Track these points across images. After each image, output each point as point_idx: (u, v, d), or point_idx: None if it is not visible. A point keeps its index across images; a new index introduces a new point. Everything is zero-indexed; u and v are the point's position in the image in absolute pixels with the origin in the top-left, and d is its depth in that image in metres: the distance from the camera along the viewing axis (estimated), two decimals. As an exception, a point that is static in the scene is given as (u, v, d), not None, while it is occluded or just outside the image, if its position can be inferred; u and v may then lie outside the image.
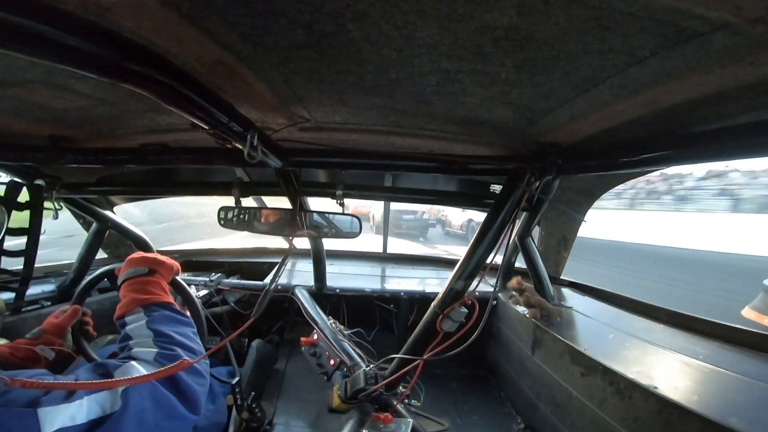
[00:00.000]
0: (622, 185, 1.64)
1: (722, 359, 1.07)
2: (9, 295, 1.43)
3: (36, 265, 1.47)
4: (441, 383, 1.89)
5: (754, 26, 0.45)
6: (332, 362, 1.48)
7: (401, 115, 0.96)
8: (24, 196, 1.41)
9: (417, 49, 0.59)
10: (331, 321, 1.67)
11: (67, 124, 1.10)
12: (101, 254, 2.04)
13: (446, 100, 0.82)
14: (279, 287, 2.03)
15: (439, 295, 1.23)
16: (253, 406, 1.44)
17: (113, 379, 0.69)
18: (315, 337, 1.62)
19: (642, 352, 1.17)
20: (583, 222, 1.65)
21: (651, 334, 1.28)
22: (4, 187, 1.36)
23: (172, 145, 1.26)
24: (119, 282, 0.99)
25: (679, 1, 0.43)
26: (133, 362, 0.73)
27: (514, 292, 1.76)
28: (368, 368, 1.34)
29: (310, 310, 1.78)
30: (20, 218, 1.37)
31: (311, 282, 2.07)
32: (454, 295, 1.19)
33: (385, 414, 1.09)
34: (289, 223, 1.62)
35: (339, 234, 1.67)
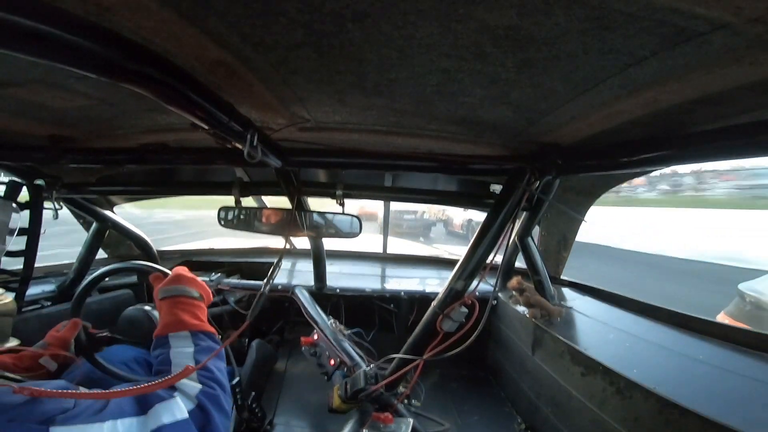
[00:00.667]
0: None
1: (722, 359, 1.07)
2: (8, 296, 1.43)
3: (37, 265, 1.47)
4: (441, 383, 1.89)
5: (754, 26, 0.45)
6: (332, 362, 1.48)
7: (401, 115, 0.96)
8: (24, 196, 1.41)
9: (417, 49, 0.59)
10: (332, 321, 1.67)
11: (67, 124, 1.10)
12: (101, 254, 2.04)
13: (446, 100, 0.82)
14: (279, 287, 2.04)
15: (440, 295, 1.23)
16: (254, 406, 1.44)
17: (119, 390, 0.66)
18: (315, 337, 1.62)
19: (642, 352, 1.17)
20: (583, 222, 1.65)
21: (651, 334, 1.28)
22: (4, 187, 1.36)
23: (172, 145, 1.26)
24: (164, 294, 0.93)
25: (679, 1, 0.43)
26: (178, 399, 0.70)
27: (514, 292, 1.76)
28: (368, 368, 1.34)
29: (310, 310, 1.78)
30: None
31: (311, 282, 2.07)
32: (454, 295, 1.19)
33: (386, 414, 1.09)
34: (289, 223, 1.62)
35: (339, 234, 1.67)
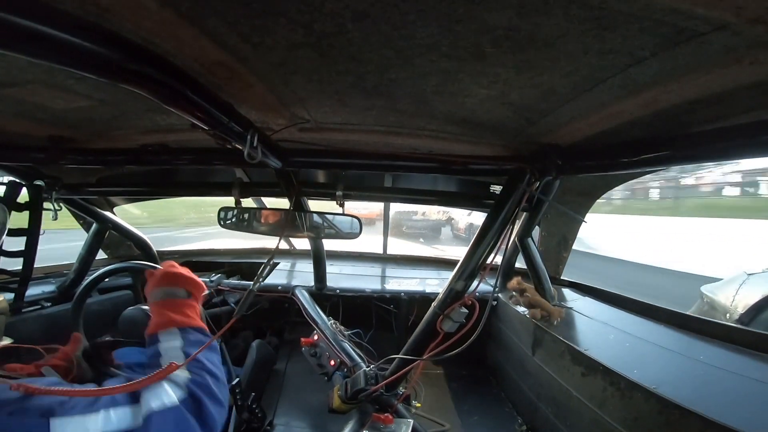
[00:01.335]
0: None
1: (723, 359, 1.06)
2: (8, 296, 1.43)
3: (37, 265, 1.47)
4: (441, 383, 1.89)
5: (754, 26, 0.45)
6: (332, 363, 1.47)
7: (401, 116, 0.96)
8: (24, 196, 1.41)
9: (417, 50, 0.59)
10: (332, 321, 1.67)
11: (66, 125, 1.10)
12: (101, 255, 2.04)
13: (446, 100, 0.82)
14: (279, 288, 2.04)
15: (440, 296, 1.23)
16: (254, 406, 1.44)
17: (110, 387, 0.68)
18: (315, 337, 1.62)
19: (643, 352, 1.17)
20: (583, 222, 1.65)
21: (651, 335, 1.28)
22: (4, 187, 1.36)
23: (172, 146, 1.26)
24: (154, 298, 0.95)
25: (679, 1, 0.43)
26: (164, 383, 0.72)
27: (514, 293, 1.76)
28: (368, 368, 1.34)
29: (310, 310, 1.78)
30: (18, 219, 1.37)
31: (311, 282, 2.07)
32: (454, 295, 1.19)
33: (386, 414, 1.09)
34: (289, 223, 1.62)
35: (339, 235, 1.67)
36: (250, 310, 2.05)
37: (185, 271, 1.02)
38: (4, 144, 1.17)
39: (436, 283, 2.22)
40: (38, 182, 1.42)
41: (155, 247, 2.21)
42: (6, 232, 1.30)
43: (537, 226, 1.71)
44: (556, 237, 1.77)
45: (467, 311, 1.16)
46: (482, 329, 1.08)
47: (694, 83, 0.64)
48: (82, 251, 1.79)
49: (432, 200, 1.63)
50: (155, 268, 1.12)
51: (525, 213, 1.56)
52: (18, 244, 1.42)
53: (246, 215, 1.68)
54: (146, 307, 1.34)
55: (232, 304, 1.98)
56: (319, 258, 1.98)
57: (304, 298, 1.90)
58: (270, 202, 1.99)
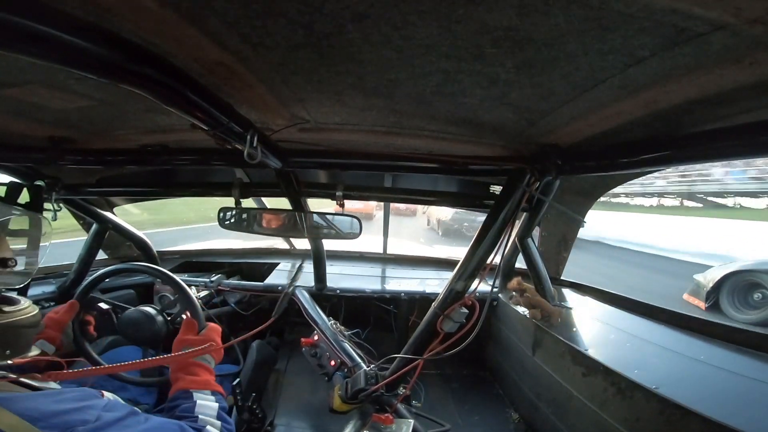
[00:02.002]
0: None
1: (723, 359, 1.06)
2: (34, 307, 1.42)
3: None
4: (442, 384, 1.89)
5: (754, 27, 0.45)
6: (333, 363, 1.47)
7: (401, 116, 0.96)
8: (24, 196, 1.41)
9: (417, 50, 0.59)
10: (332, 322, 1.67)
11: (66, 125, 1.10)
12: (101, 255, 2.03)
13: (446, 100, 0.82)
14: (279, 288, 2.04)
15: (440, 296, 1.23)
16: (254, 406, 1.44)
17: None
18: (315, 337, 1.62)
19: (643, 352, 1.17)
20: (583, 222, 1.65)
21: (652, 335, 1.28)
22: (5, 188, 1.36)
23: (172, 146, 1.26)
24: (190, 349, 1.01)
25: (679, 1, 0.43)
26: None
27: (514, 293, 1.75)
28: (369, 369, 1.34)
29: (310, 310, 1.78)
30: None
31: (311, 283, 2.07)
32: (454, 295, 1.19)
33: (386, 415, 1.09)
34: (289, 224, 1.61)
35: (339, 235, 1.67)
36: (250, 310, 2.05)
37: (219, 338, 1.11)
38: (4, 144, 1.17)
39: (436, 283, 2.22)
40: (38, 183, 1.43)
41: (155, 248, 2.21)
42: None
43: (537, 226, 1.71)
44: (556, 237, 1.77)
45: (467, 311, 1.16)
46: (482, 329, 1.08)
47: (693, 83, 0.64)
48: (82, 251, 1.79)
49: (432, 200, 1.63)
50: (200, 321, 1.14)
51: (525, 213, 1.56)
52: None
53: (246, 215, 1.68)
54: (149, 309, 1.34)
55: (232, 304, 1.98)
56: (319, 258, 1.98)
57: (304, 298, 1.90)
58: (270, 202, 1.99)
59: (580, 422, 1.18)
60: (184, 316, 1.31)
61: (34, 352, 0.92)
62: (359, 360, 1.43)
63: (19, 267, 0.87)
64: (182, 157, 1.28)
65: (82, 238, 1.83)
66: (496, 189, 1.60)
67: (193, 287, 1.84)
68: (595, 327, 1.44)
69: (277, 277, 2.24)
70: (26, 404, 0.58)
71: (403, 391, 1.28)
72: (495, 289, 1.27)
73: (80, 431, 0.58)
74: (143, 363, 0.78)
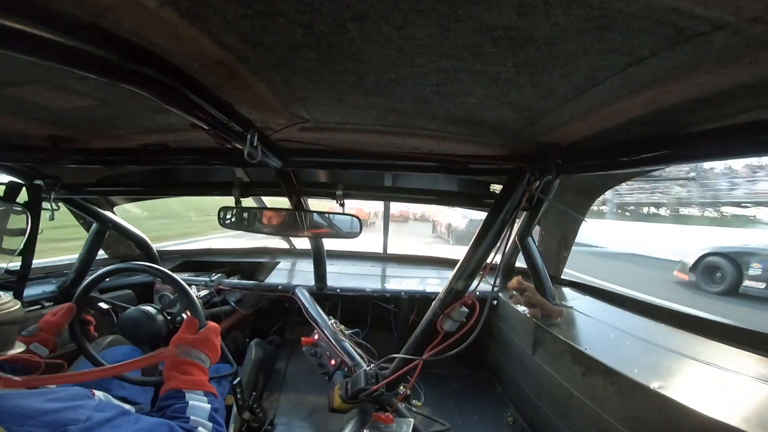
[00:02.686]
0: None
1: (723, 359, 1.07)
2: (16, 302, 1.42)
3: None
4: (442, 383, 1.89)
5: (754, 26, 0.45)
6: (333, 362, 1.48)
7: (401, 115, 0.96)
8: (23, 196, 1.41)
9: (417, 49, 0.59)
10: (332, 321, 1.67)
11: (66, 125, 1.10)
12: (101, 254, 2.04)
13: (446, 100, 0.82)
14: (279, 287, 2.04)
15: (440, 295, 1.23)
16: (254, 406, 1.44)
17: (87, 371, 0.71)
18: (316, 337, 1.62)
19: (643, 351, 1.17)
20: (583, 221, 1.65)
21: (652, 334, 1.28)
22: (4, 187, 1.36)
23: (172, 146, 1.26)
24: (185, 354, 1.00)
25: (679, 1, 0.43)
26: None
27: (514, 292, 1.75)
28: (369, 368, 1.34)
29: (310, 310, 1.78)
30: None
31: (312, 282, 2.07)
32: (454, 294, 1.19)
33: (386, 414, 1.09)
34: (289, 223, 1.62)
35: (339, 234, 1.67)
36: (251, 310, 2.05)
37: (219, 343, 1.10)
38: (4, 144, 1.17)
39: (437, 282, 2.22)
40: (38, 182, 1.43)
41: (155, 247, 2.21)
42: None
43: (537, 226, 1.71)
44: (557, 236, 1.77)
45: (467, 311, 1.16)
46: (483, 329, 1.08)
47: (693, 83, 0.64)
48: (82, 251, 1.79)
49: (432, 200, 1.63)
50: (201, 319, 1.13)
51: (525, 212, 1.56)
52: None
53: (246, 215, 1.69)
54: (149, 309, 1.34)
55: (232, 304, 1.99)
56: (319, 257, 1.99)
57: (304, 297, 1.90)
58: (270, 201, 1.99)
59: (580, 421, 1.18)
60: (184, 315, 1.31)
61: (18, 349, 0.93)
62: (359, 359, 1.43)
63: None
64: (182, 156, 1.28)
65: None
66: (497, 188, 1.60)
67: (193, 286, 1.84)
68: (595, 326, 1.44)
69: (278, 277, 2.24)
70: (17, 402, 0.58)
71: (403, 390, 1.28)
72: (495, 289, 1.27)
73: (72, 430, 0.58)
74: (115, 368, 0.78)
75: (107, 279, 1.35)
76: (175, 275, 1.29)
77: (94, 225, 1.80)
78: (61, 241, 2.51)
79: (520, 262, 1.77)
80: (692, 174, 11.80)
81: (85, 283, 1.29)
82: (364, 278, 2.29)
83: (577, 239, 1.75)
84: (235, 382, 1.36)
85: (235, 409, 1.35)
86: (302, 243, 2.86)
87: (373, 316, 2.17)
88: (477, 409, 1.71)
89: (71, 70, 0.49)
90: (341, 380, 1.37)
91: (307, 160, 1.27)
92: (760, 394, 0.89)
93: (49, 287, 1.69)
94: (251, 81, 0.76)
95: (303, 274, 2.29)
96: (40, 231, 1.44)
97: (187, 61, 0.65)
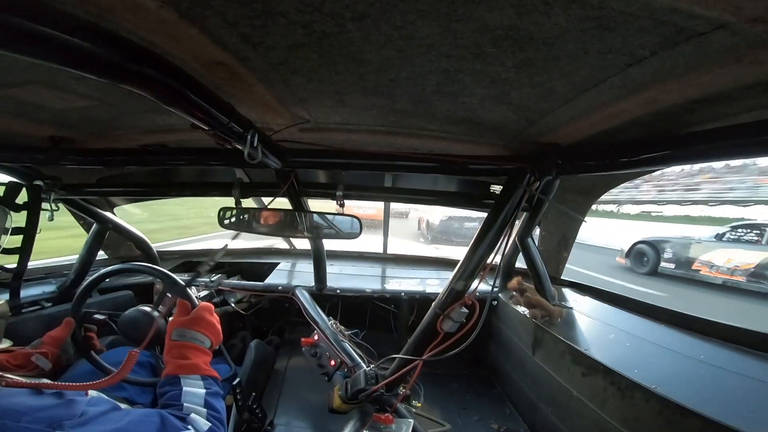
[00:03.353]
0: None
1: (723, 359, 1.06)
2: (4, 295, 1.42)
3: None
4: (442, 384, 1.89)
5: (754, 26, 0.45)
6: (333, 363, 1.47)
7: (401, 116, 0.96)
8: (23, 196, 1.41)
9: (417, 49, 0.59)
10: (332, 321, 1.66)
11: (66, 125, 1.10)
12: (101, 255, 2.03)
13: (446, 100, 0.82)
14: (279, 288, 2.04)
15: (440, 296, 1.23)
16: (254, 406, 1.43)
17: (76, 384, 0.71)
18: (315, 337, 1.62)
19: (643, 352, 1.17)
20: (583, 222, 1.65)
21: (652, 334, 1.28)
22: (4, 187, 1.36)
23: (172, 146, 1.26)
24: (181, 336, 0.98)
25: (679, 0, 0.43)
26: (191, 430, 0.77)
27: (514, 293, 1.75)
28: (369, 368, 1.34)
29: (310, 310, 1.78)
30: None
31: (312, 283, 2.07)
32: (454, 295, 1.19)
33: (386, 414, 1.09)
34: (289, 224, 1.61)
35: (339, 235, 1.67)
36: (251, 310, 2.05)
37: (216, 320, 1.05)
38: (4, 144, 1.17)
39: (437, 283, 2.22)
40: (38, 182, 1.42)
41: (155, 248, 2.21)
42: (9, 233, 1.31)
43: (537, 226, 1.71)
44: (556, 237, 1.77)
45: (467, 311, 1.16)
46: (482, 329, 1.08)
47: (693, 83, 0.64)
48: (82, 251, 1.79)
49: (432, 200, 1.63)
50: (191, 300, 1.10)
51: (525, 213, 1.56)
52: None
53: (246, 215, 1.68)
54: (149, 309, 1.34)
55: (233, 305, 1.98)
56: (319, 258, 1.98)
57: (304, 298, 1.90)
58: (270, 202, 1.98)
59: (580, 422, 1.18)
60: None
61: (5, 344, 0.93)
62: (359, 360, 1.43)
63: None
64: (182, 157, 1.28)
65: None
66: (496, 189, 1.60)
67: (193, 287, 1.84)
68: (595, 326, 1.44)
69: (278, 277, 2.24)
70: (11, 399, 0.59)
71: (403, 390, 1.28)
72: (495, 289, 1.27)
73: (67, 425, 0.59)
74: (77, 386, 0.77)
75: (107, 279, 1.35)
76: (172, 274, 1.29)
77: (94, 226, 1.80)
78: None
79: (520, 263, 1.77)
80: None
81: (85, 283, 1.29)
82: (364, 279, 2.29)
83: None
84: (234, 382, 1.36)
85: (234, 409, 1.35)
86: (302, 243, 2.86)
87: (373, 316, 2.17)
88: (477, 409, 1.70)
89: (71, 70, 0.49)
90: (341, 381, 1.36)
91: (307, 161, 1.27)
92: (760, 393, 0.89)
93: (48, 288, 1.69)
94: (251, 81, 0.76)
95: (303, 274, 2.29)
96: (38, 231, 1.44)
97: (187, 62, 0.65)
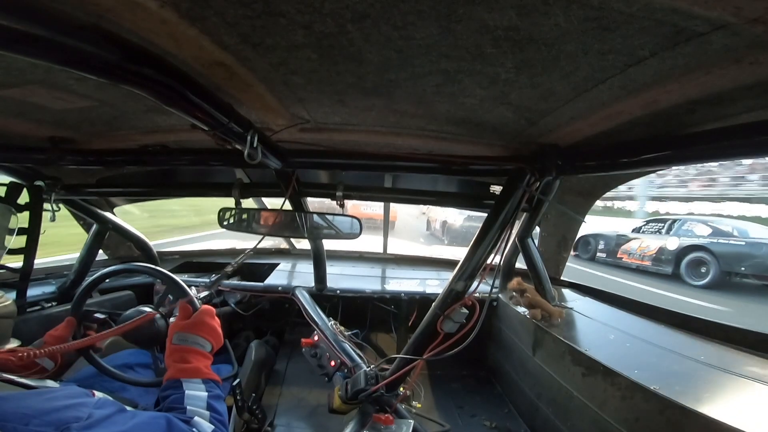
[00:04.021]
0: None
1: (722, 359, 1.06)
2: (11, 295, 1.42)
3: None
4: (442, 384, 1.89)
5: (754, 26, 0.45)
6: (333, 363, 1.47)
7: (401, 116, 0.96)
8: (24, 197, 1.41)
9: (417, 50, 0.59)
10: (332, 322, 1.66)
11: (66, 126, 1.10)
12: (101, 255, 2.04)
13: (446, 100, 0.82)
14: (279, 288, 2.04)
15: (440, 296, 1.23)
16: (254, 407, 1.43)
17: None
18: (315, 338, 1.62)
19: (643, 352, 1.17)
20: (583, 222, 1.65)
21: (652, 335, 1.28)
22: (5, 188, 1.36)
23: (172, 146, 1.26)
24: (182, 340, 0.98)
25: (679, 1, 0.43)
26: None
27: (514, 293, 1.75)
28: (369, 369, 1.34)
29: (310, 311, 1.78)
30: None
31: (312, 283, 2.07)
32: (454, 296, 1.19)
33: (386, 415, 1.09)
34: (289, 224, 1.61)
35: (339, 235, 1.67)
36: (251, 311, 2.05)
37: (217, 324, 1.05)
38: (4, 145, 1.17)
39: (437, 283, 2.22)
40: (38, 183, 1.43)
41: (155, 248, 2.21)
42: (15, 233, 1.31)
43: (537, 227, 1.71)
44: (556, 237, 1.77)
45: (467, 312, 1.16)
46: (482, 330, 1.08)
47: (693, 83, 0.64)
48: (82, 252, 1.79)
49: (432, 200, 1.63)
50: (193, 303, 1.10)
51: (525, 213, 1.56)
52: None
53: (246, 216, 1.68)
54: (148, 310, 1.34)
55: (232, 305, 1.98)
56: (319, 258, 1.98)
57: (304, 298, 1.90)
58: (270, 202, 1.99)
59: (580, 422, 1.17)
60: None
61: (13, 344, 0.93)
62: (359, 360, 1.43)
63: None
64: (182, 157, 1.28)
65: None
66: (496, 189, 1.60)
67: (193, 287, 1.84)
68: (594, 327, 1.44)
69: (278, 278, 2.24)
70: (19, 403, 0.58)
71: (403, 391, 1.28)
72: (495, 290, 1.27)
73: (74, 427, 0.58)
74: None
75: (107, 280, 1.35)
76: (172, 274, 1.29)
77: (94, 226, 1.80)
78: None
79: (520, 263, 1.77)
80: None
81: (85, 283, 1.28)
82: (364, 279, 2.29)
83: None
84: (234, 383, 1.36)
85: (234, 410, 1.35)
86: (302, 244, 2.86)
87: (373, 317, 2.16)
88: (477, 410, 1.70)
89: (71, 70, 0.49)
90: (341, 381, 1.36)
91: (307, 161, 1.27)
92: (761, 394, 0.89)
93: (48, 288, 1.69)
94: (251, 82, 0.76)
95: (303, 275, 2.29)
96: (42, 231, 1.44)
97: (187, 62, 0.65)
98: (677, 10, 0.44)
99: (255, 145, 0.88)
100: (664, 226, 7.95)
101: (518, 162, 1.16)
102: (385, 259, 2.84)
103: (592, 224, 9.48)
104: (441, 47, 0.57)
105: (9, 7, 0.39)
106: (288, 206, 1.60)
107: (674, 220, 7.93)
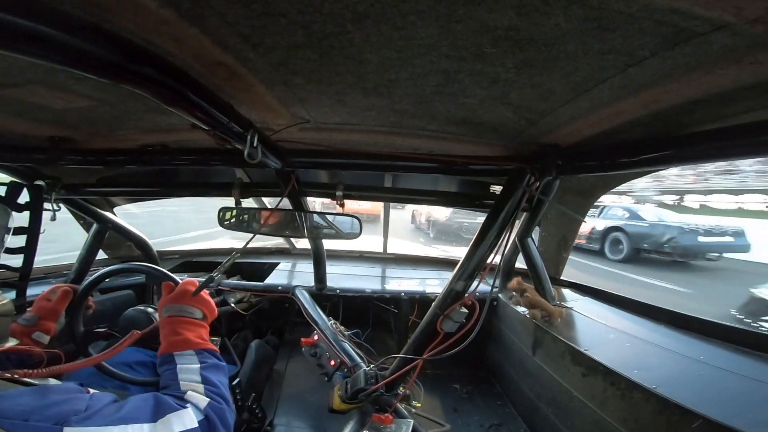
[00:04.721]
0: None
1: (723, 359, 1.06)
2: (10, 295, 1.42)
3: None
4: (442, 384, 1.89)
5: (754, 26, 0.45)
6: (333, 363, 1.48)
7: (401, 116, 0.96)
8: (24, 196, 1.41)
9: (417, 50, 0.59)
10: (332, 322, 1.67)
11: (66, 125, 1.10)
12: (101, 255, 2.04)
13: (446, 100, 0.82)
14: (279, 288, 2.04)
15: (440, 296, 1.23)
16: (254, 406, 1.44)
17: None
18: (315, 337, 1.62)
19: (643, 352, 1.17)
20: (583, 222, 1.65)
21: (652, 335, 1.28)
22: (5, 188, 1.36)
23: (172, 146, 1.26)
24: (169, 312, 0.96)
25: (679, 1, 0.43)
26: (190, 410, 0.74)
27: (514, 293, 1.76)
28: (368, 368, 1.34)
29: (310, 310, 1.78)
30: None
31: (312, 283, 2.07)
32: (454, 295, 1.19)
33: (386, 414, 1.09)
34: (289, 224, 1.61)
35: (339, 235, 1.67)
36: (250, 310, 2.05)
37: (203, 293, 1.03)
38: (4, 144, 1.17)
39: (437, 283, 2.22)
40: (39, 182, 1.42)
41: (155, 248, 2.21)
42: (11, 232, 1.31)
43: (537, 227, 1.71)
44: (556, 237, 1.77)
45: (467, 311, 1.16)
46: (482, 329, 1.08)
47: (694, 83, 0.64)
48: (82, 251, 1.79)
49: (432, 200, 1.63)
50: (173, 279, 1.10)
51: (525, 213, 1.56)
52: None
53: (246, 215, 1.69)
54: (149, 309, 1.35)
55: (232, 305, 1.99)
56: (319, 258, 1.99)
57: (304, 298, 1.90)
58: (270, 202, 1.99)
59: (580, 422, 1.18)
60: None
61: (11, 342, 0.93)
62: (359, 360, 1.43)
63: None
64: (182, 157, 1.28)
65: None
66: (496, 189, 1.60)
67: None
68: (594, 327, 1.44)
69: (278, 277, 2.24)
70: (17, 400, 0.59)
71: (403, 391, 1.28)
72: (495, 289, 1.27)
73: (74, 420, 0.59)
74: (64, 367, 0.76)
75: (107, 279, 1.35)
76: (170, 273, 1.29)
77: (95, 225, 1.80)
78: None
79: (520, 263, 1.77)
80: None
81: (85, 283, 1.29)
82: (364, 279, 2.29)
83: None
84: (234, 382, 1.36)
85: (234, 410, 1.35)
86: (302, 243, 2.86)
87: (373, 316, 2.17)
88: (477, 409, 1.70)
89: (71, 70, 0.49)
90: (341, 381, 1.37)
91: (307, 161, 1.27)
92: (760, 394, 0.89)
93: (48, 288, 1.69)
94: (251, 82, 0.76)
95: (303, 274, 2.29)
96: (42, 230, 1.45)
97: (188, 62, 0.65)
98: (677, 10, 0.44)
99: (255, 144, 0.88)
100: (597, 211, 9.26)
101: (518, 162, 1.16)
102: (385, 259, 2.84)
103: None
104: (441, 47, 0.57)
105: (9, 6, 0.39)
106: (287, 205, 1.60)
107: (605, 206, 9.33)
